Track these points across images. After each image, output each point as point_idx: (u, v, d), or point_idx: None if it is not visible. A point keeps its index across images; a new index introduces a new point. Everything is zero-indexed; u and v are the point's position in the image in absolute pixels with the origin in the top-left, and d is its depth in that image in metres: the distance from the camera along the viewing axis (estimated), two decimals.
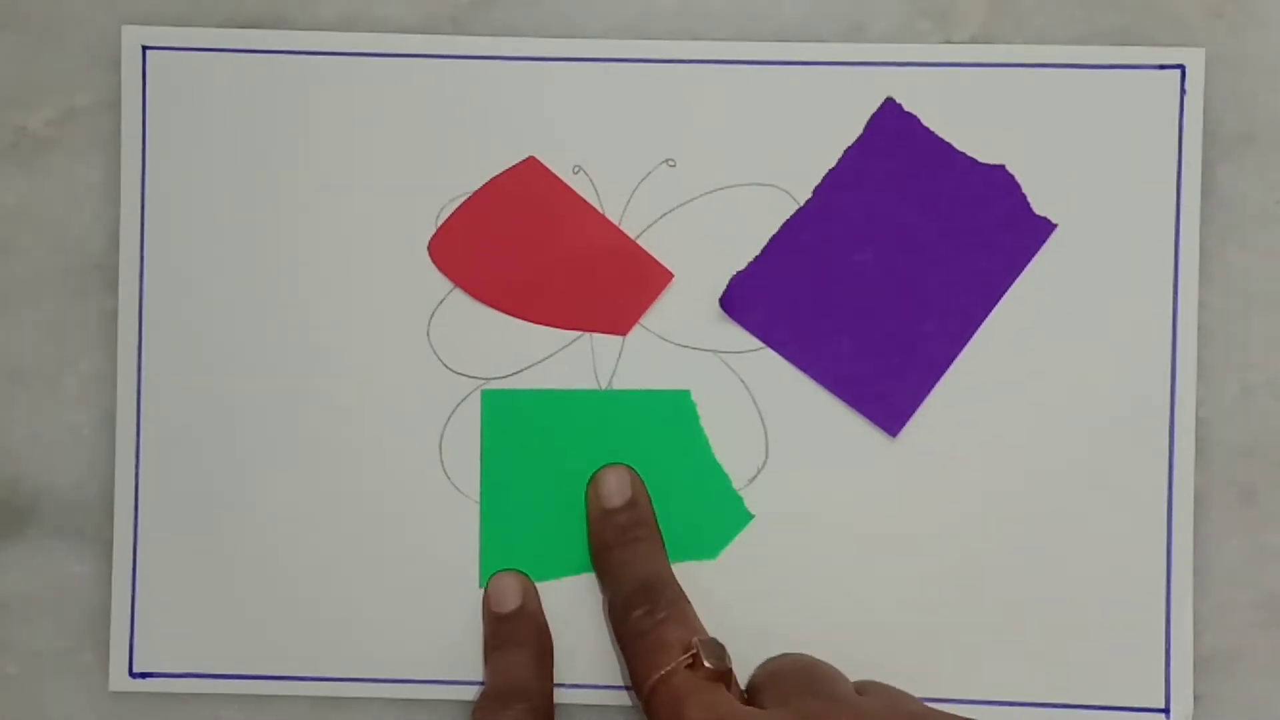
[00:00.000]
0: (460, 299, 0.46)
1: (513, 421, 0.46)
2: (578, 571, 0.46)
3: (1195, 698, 0.46)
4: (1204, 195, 0.46)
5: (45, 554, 0.47)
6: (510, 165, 0.46)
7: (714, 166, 0.46)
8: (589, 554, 0.46)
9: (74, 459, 0.47)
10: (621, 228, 0.46)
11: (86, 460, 0.47)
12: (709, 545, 0.46)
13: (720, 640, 0.42)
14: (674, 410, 0.46)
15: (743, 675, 0.45)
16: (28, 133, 0.46)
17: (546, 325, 0.46)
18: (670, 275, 0.46)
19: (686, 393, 0.46)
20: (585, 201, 0.46)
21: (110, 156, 0.46)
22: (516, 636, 0.46)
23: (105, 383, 0.46)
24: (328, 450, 0.46)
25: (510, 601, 0.46)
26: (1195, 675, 0.46)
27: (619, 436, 0.46)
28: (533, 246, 0.46)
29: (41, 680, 0.47)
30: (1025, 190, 0.46)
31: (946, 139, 0.46)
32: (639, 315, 0.46)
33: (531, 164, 0.46)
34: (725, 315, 0.46)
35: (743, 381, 0.46)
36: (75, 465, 0.47)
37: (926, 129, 0.46)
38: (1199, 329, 0.46)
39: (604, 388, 0.46)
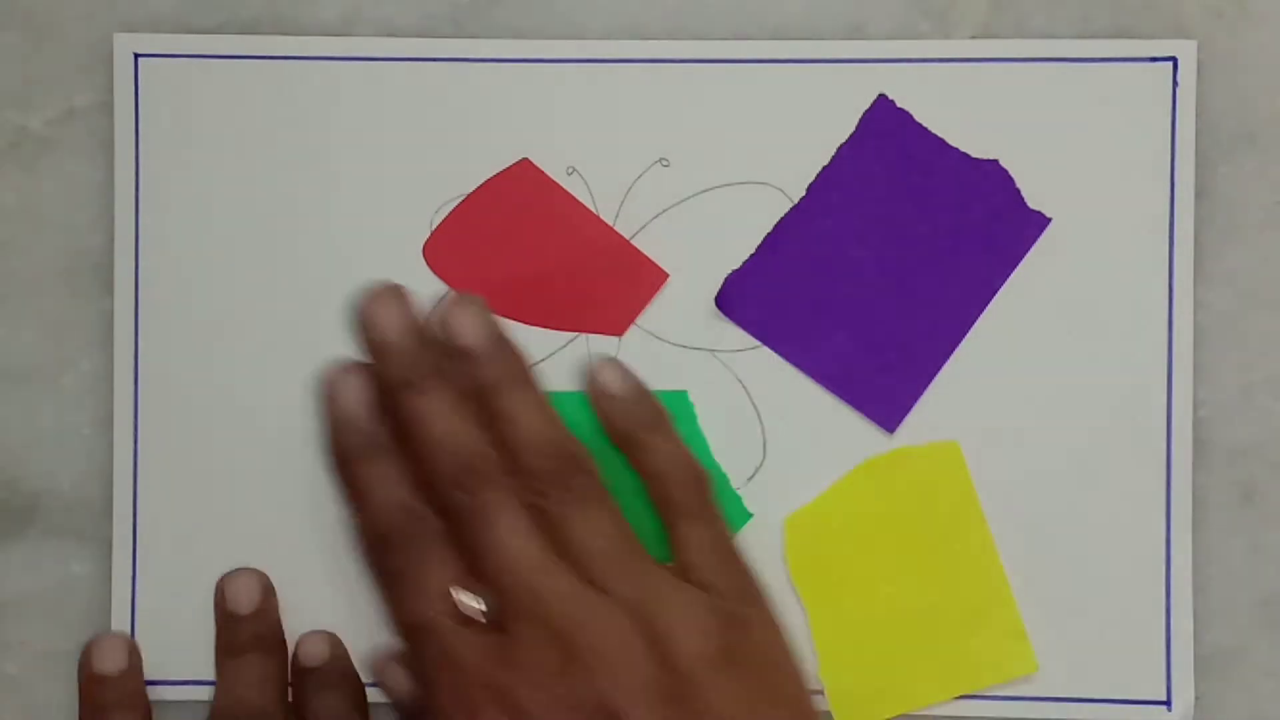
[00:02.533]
0: None
1: None
2: None
3: (1195, 697, 0.46)
4: (1204, 195, 0.46)
5: (45, 554, 0.47)
6: (503, 168, 0.46)
7: (708, 166, 0.46)
8: None
9: (74, 459, 0.47)
10: (616, 228, 0.46)
11: (86, 460, 0.47)
12: None
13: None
14: (672, 411, 0.46)
15: None
16: (28, 133, 0.47)
17: (542, 327, 0.46)
18: (665, 275, 0.46)
19: (684, 393, 0.46)
20: (579, 202, 0.46)
21: (111, 156, 0.47)
22: (259, 644, 0.45)
23: (105, 383, 0.47)
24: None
25: (249, 602, 0.45)
26: (1195, 674, 0.45)
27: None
28: (527, 248, 0.46)
29: (41, 680, 0.47)
30: (1021, 186, 0.46)
31: (941, 135, 0.46)
32: (634, 316, 0.46)
33: (525, 166, 0.46)
34: (721, 314, 0.46)
35: (739, 380, 0.46)
36: (75, 465, 0.47)
37: (919, 125, 0.46)
38: (1200, 329, 0.46)
39: None
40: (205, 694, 0.46)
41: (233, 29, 0.47)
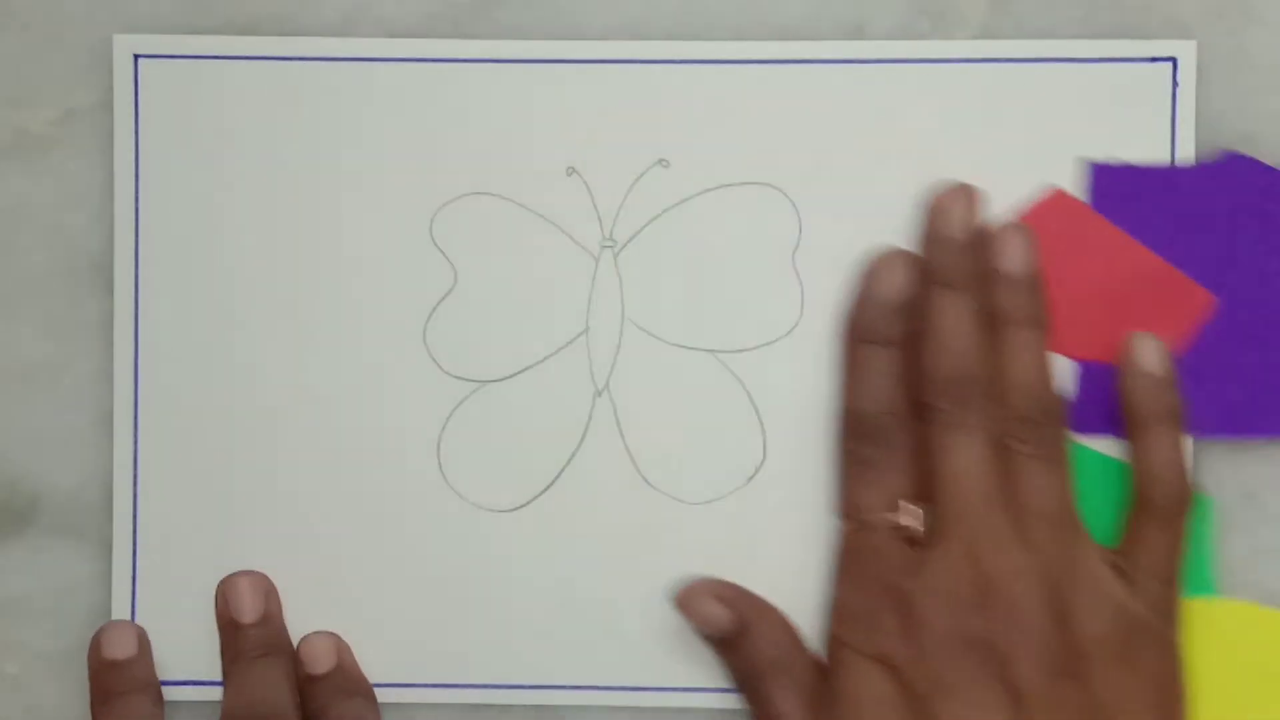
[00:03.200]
0: (456, 301, 0.46)
1: None
2: None
3: None
4: None
5: (45, 554, 0.47)
6: (503, 167, 0.46)
7: (708, 166, 0.46)
8: None
9: (74, 459, 0.47)
10: (615, 229, 0.46)
11: (86, 460, 0.47)
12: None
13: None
14: (1194, 509, 0.44)
15: None
16: (28, 133, 0.47)
17: (1081, 359, 0.45)
18: (1210, 297, 0.45)
19: (1209, 499, 0.45)
20: (1115, 228, 0.45)
21: (111, 156, 0.47)
22: (265, 647, 0.45)
23: (105, 383, 0.47)
24: (325, 453, 0.46)
25: (253, 610, 0.45)
26: None
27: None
28: (1065, 276, 0.45)
29: (41, 680, 0.47)
30: (1021, 185, 0.46)
31: (941, 135, 0.46)
32: (1178, 341, 0.45)
33: (1060, 196, 0.45)
34: (719, 311, 0.46)
35: (740, 381, 0.46)
36: (75, 465, 0.47)
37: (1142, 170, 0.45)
38: None
39: (600, 388, 0.46)
40: (206, 694, 0.46)
41: (233, 29, 0.47)
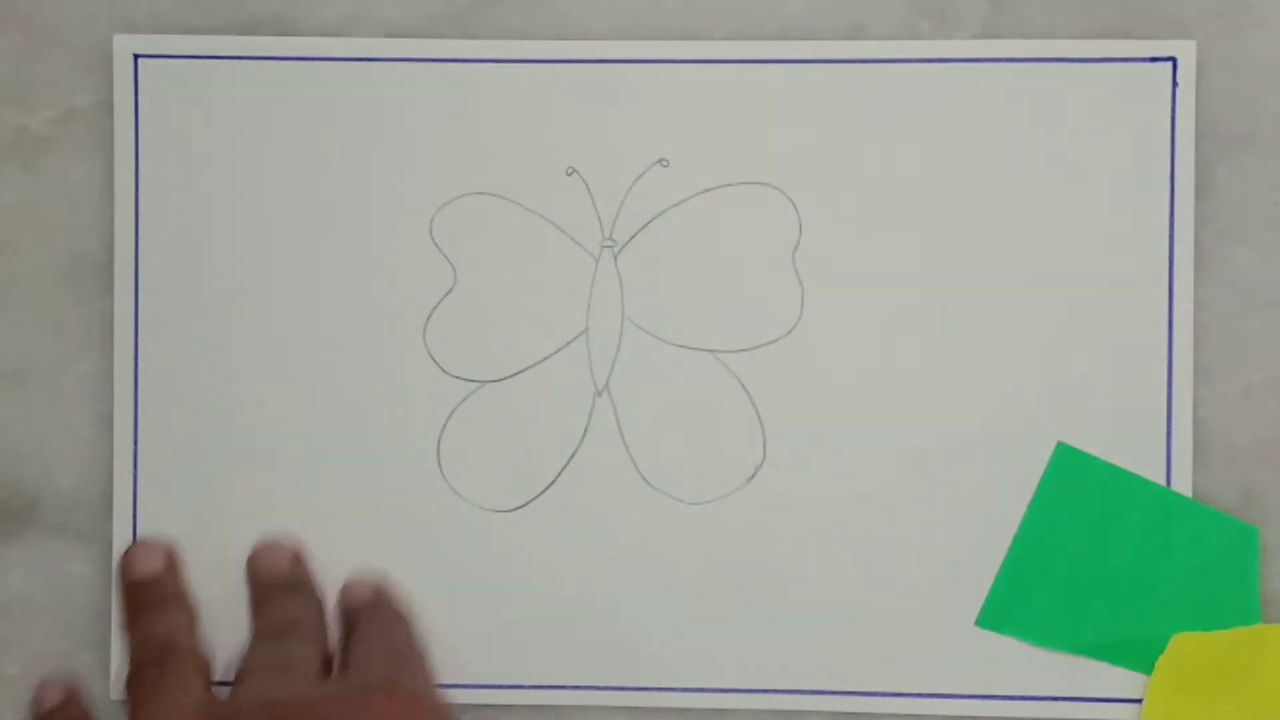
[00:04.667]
0: (456, 301, 0.46)
1: (1076, 484, 0.45)
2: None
3: None
4: (1204, 195, 0.46)
5: (45, 554, 0.47)
6: (502, 167, 0.46)
7: (708, 166, 0.46)
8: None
9: (74, 459, 0.47)
10: (615, 229, 0.46)
11: (86, 460, 0.47)
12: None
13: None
14: (1238, 544, 0.45)
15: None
16: (28, 133, 0.47)
17: None
18: None
19: (1255, 530, 0.45)
20: None
21: (111, 156, 0.47)
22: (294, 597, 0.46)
23: (104, 383, 0.47)
24: (325, 453, 0.46)
25: (282, 565, 0.46)
26: None
27: (1172, 547, 0.45)
28: None
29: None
30: (1021, 186, 0.46)
31: (941, 134, 0.46)
32: None
33: None
34: (719, 311, 0.46)
35: (739, 381, 0.46)
36: (75, 465, 0.47)
37: None
38: (1199, 329, 0.46)
39: (600, 388, 0.46)
40: None
41: (233, 29, 0.47)
